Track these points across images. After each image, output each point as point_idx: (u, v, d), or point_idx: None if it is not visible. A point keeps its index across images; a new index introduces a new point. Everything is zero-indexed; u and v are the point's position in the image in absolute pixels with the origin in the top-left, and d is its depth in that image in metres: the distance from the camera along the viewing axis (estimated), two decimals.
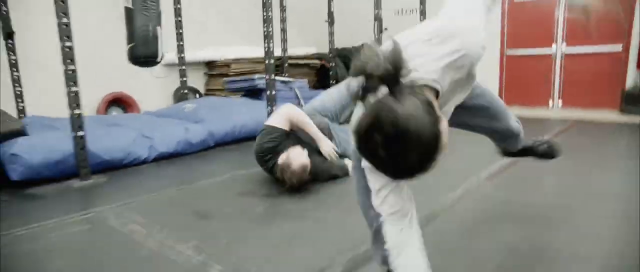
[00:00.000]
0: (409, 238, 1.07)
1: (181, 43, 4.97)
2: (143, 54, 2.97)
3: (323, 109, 3.13)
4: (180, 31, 4.94)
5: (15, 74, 4.01)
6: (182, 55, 5.01)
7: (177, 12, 4.88)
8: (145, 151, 3.36)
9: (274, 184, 2.60)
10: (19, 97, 4.09)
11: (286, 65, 6.28)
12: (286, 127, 2.54)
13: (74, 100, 2.78)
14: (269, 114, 3.98)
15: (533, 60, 6.36)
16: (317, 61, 7.13)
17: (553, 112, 5.97)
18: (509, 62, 6.62)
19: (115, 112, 5.20)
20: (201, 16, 6.02)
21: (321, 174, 2.57)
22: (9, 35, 3.89)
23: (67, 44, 2.69)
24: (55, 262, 1.76)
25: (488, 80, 6.59)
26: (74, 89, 2.76)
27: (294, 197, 2.40)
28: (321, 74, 7.31)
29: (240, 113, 4.24)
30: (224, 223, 2.09)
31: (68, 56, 2.73)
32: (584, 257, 1.61)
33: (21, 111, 4.12)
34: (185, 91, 5.10)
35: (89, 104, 4.96)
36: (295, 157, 2.38)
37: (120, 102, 5.25)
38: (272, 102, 4.00)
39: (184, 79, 5.07)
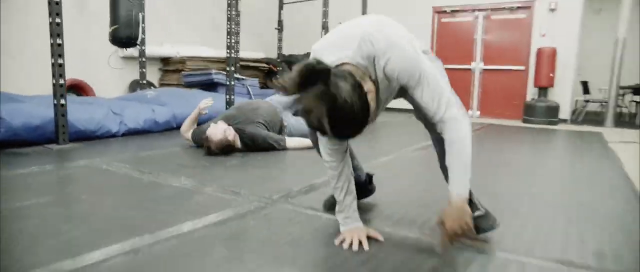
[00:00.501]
0: (342, 171, 1.54)
1: (143, 36, 5.29)
2: (125, 36, 3.34)
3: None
4: (143, 25, 5.26)
5: None
6: (143, 48, 5.33)
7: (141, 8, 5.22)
8: (116, 125, 3.70)
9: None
10: None
11: (238, 65, 6.73)
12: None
13: (58, 71, 3.10)
14: (228, 102, 4.45)
15: (456, 74, 7.35)
16: (265, 65, 7.66)
17: (472, 119, 6.94)
18: None
19: None
20: (162, 12, 6.35)
21: (260, 143, 3.15)
22: None
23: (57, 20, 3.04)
24: (69, 187, 2.13)
25: None
26: (59, 61, 3.08)
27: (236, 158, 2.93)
28: (268, 77, 7.84)
29: (200, 101, 4.64)
30: (200, 169, 2.55)
31: (56, 31, 3.07)
32: None
33: None
34: (144, 82, 5.41)
35: (47, 89, 5.10)
36: (212, 131, 2.99)
37: (76, 89, 5.43)
38: (231, 93, 4.47)
39: (144, 70, 5.39)
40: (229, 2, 4.33)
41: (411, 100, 1.38)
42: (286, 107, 3.68)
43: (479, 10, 7.02)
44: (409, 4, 7.41)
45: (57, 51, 3.11)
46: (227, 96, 4.50)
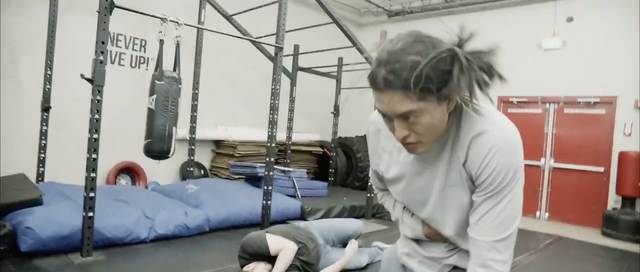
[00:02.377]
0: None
1: (194, 125, 5.43)
2: (158, 149, 3.35)
3: (325, 231, 3.40)
4: (195, 114, 5.41)
5: (43, 142, 4.44)
6: (193, 136, 5.44)
7: (194, 97, 5.39)
8: (145, 231, 3.65)
9: None
10: (41, 162, 4.49)
11: (290, 151, 6.68)
12: (272, 252, 2.82)
13: (92, 165, 3.13)
14: (266, 194, 4.27)
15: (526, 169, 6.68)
16: (319, 149, 7.55)
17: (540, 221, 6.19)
18: None
19: (124, 180, 5.56)
20: (218, 94, 6.55)
21: None
22: (46, 109, 4.37)
23: (96, 116, 3.11)
24: None
25: None
26: (93, 155, 3.13)
27: None
28: (322, 162, 7.69)
29: (238, 201, 4.55)
30: None
31: (95, 127, 3.13)
32: None
33: (40, 175, 4.49)
34: (191, 169, 5.47)
35: (101, 169, 5.33)
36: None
37: (129, 171, 5.62)
38: (269, 183, 4.29)
39: (192, 158, 5.47)
40: (273, 89, 4.26)
41: (461, 204, 1.13)
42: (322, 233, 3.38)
43: (550, 102, 6.45)
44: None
45: (92, 146, 3.14)
46: (265, 187, 4.32)
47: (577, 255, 4.47)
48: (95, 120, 3.12)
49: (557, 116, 6.43)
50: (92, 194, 3.14)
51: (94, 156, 3.14)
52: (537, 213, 6.53)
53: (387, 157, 1.25)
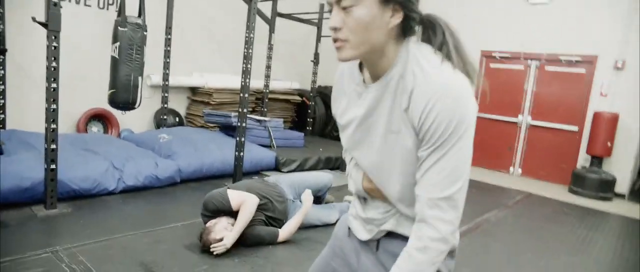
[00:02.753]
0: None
1: (167, 71, 5.23)
2: (123, 100, 3.21)
3: (299, 186, 3.37)
4: (168, 60, 5.20)
5: (1, 87, 4.23)
6: (167, 83, 5.26)
7: (167, 42, 5.15)
8: (114, 182, 3.58)
9: None
10: (0, 108, 4.29)
11: (267, 100, 6.55)
12: (234, 207, 2.79)
13: (52, 116, 2.98)
14: (238, 145, 4.21)
15: (500, 126, 6.74)
16: (297, 97, 7.43)
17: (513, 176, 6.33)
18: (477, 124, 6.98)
19: (95, 128, 5.40)
20: (192, 41, 6.29)
21: (250, 238, 2.84)
22: (1, 51, 4.12)
23: (53, 64, 2.92)
24: None
25: None
26: (53, 106, 2.97)
27: (232, 258, 2.66)
28: (300, 111, 7.60)
29: (210, 151, 4.48)
30: None
31: (52, 75, 2.95)
32: None
33: (1, 122, 4.32)
34: (165, 117, 5.33)
35: (71, 117, 5.17)
36: (216, 230, 2.66)
37: (101, 118, 5.45)
38: (241, 134, 4.21)
39: (166, 105, 5.32)
40: (247, 38, 4.07)
41: (404, 154, 1.03)
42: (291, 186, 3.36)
43: (532, 58, 6.39)
44: None
45: (51, 96, 2.97)
46: (237, 138, 4.24)
47: (545, 212, 4.61)
48: (52, 69, 2.94)
49: (538, 73, 6.38)
50: (53, 146, 3.02)
51: (53, 106, 2.98)
52: (511, 169, 6.66)
53: (345, 101, 1.17)
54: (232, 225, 2.74)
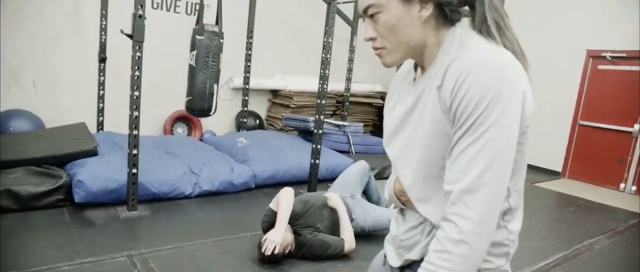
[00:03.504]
0: None
1: (248, 75, 5.32)
2: (198, 108, 3.28)
3: (346, 183, 3.30)
4: (249, 64, 5.28)
5: (101, 92, 4.59)
6: (247, 86, 5.35)
7: (248, 46, 5.23)
8: (190, 187, 3.69)
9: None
10: (100, 112, 4.67)
11: (347, 103, 6.42)
12: (276, 208, 2.72)
13: (134, 123, 3.11)
14: (314, 152, 4.13)
15: (610, 136, 5.93)
16: (380, 100, 7.19)
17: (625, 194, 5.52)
18: (581, 132, 6.23)
19: (180, 129, 5.68)
20: (275, 42, 6.36)
21: (315, 246, 2.72)
22: (103, 60, 4.47)
23: (136, 73, 3.05)
24: None
25: (555, 145, 6.26)
26: (136, 113, 3.10)
27: None
28: (381, 114, 7.35)
29: (286, 157, 4.46)
30: None
31: (136, 84, 3.08)
32: None
33: (100, 124, 4.69)
34: (244, 120, 5.44)
35: (159, 119, 5.49)
36: (269, 238, 2.58)
37: (185, 120, 5.71)
38: (317, 141, 4.13)
39: (246, 109, 5.42)
40: (325, 43, 3.97)
41: (428, 140, 0.90)
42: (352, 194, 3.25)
43: None
44: (555, 42, 6.16)
45: (134, 103, 3.10)
46: (314, 145, 4.17)
47: None
48: (136, 77, 3.07)
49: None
50: (134, 152, 3.16)
51: (136, 113, 3.12)
52: (622, 185, 5.82)
53: (394, 99, 1.06)
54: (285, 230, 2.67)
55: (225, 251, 2.81)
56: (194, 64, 3.21)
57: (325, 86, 4.10)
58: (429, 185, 0.91)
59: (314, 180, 4.22)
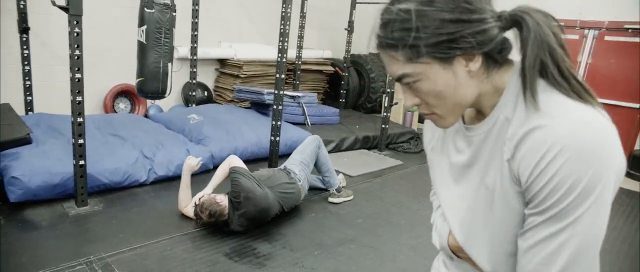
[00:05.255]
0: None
1: (195, 45, 4.92)
2: (152, 90, 2.95)
3: (308, 160, 3.37)
4: (196, 33, 4.87)
5: (27, 67, 4.02)
6: (195, 57, 4.96)
7: (195, 13, 4.81)
8: (144, 173, 3.39)
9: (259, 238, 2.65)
10: (27, 90, 4.11)
11: (299, 72, 6.20)
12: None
13: (77, 109, 2.74)
14: (274, 129, 3.96)
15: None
16: (330, 68, 7.04)
17: None
18: None
19: (123, 104, 5.20)
20: (220, 8, 5.93)
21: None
22: (25, 30, 3.88)
23: (77, 52, 2.64)
24: None
25: None
26: (78, 98, 2.73)
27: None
28: (333, 82, 7.23)
29: (243, 134, 4.24)
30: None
31: (76, 65, 2.68)
32: None
33: (29, 104, 4.15)
34: (193, 93, 5.08)
35: (97, 95, 4.98)
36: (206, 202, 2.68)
37: (128, 94, 5.24)
38: (277, 117, 3.96)
39: (194, 81, 5.05)
40: (284, 13, 3.70)
41: (498, 217, 0.79)
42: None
43: (590, 27, 5.78)
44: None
45: (76, 87, 2.70)
46: (273, 121, 3.99)
47: None
48: (76, 57, 2.67)
49: (596, 44, 5.80)
50: (81, 141, 2.80)
51: (79, 98, 2.74)
52: None
53: (439, 132, 0.96)
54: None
55: (197, 247, 2.62)
56: (144, 41, 2.85)
57: (284, 59, 3.88)
58: (502, 263, 0.81)
59: (275, 157, 4.07)
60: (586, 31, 5.87)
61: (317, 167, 3.48)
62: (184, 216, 2.99)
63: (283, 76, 3.91)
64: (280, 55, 3.83)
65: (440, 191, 0.94)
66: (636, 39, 5.52)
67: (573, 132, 0.65)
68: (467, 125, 0.85)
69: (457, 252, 0.91)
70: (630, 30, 5.51)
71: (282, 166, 3.25)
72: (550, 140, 0.66)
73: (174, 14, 2.97)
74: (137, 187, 3.36)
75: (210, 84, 6.12)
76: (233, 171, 2.74)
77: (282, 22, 3.76)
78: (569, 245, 0.67)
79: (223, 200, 2.71)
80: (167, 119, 4.47)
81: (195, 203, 2.74)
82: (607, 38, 5.75)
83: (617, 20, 5.57)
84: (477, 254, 0.84)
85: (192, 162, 3.00)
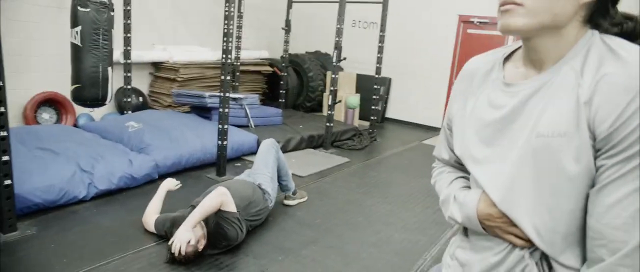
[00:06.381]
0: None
1: (128, 48, 4.61)
2: (91, 97, 2.70)
3: (273, 169, 3.22)
4: (129, 35, 4.57)
5: None
6: (129, 60, 4.65)
7: (126, 14, 4.50)
8: (84, 189, 3.10)
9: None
10: None
11: (238, 73, 6.05)
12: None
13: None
14: (221, 133, 3.80)
15: None
16: (269, 68, 6.94)
17: None
18: None
19: (47, 114, 4.74)
20: (153, 9, 5.61)
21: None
22: None
23: None
24: None
25: (435, 104, 6.82)
26: (1, 109, 2.43)
27: None
28: (272, 82, 7.13)
29: (187, 140, 4.03)
30: None
31: None
32: None
33: None
34: (128, 99, 4.75)
35: (16, 104, 4.49)
36: (177, 244, 2.35)
37: (52, 103, 4.78)
38: (225, 121, 3.81)
39: (129, 86, 4.72)
40: (227, 12, 3.54)
41: (562, 165, 0.73)
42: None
43: None
44: (433, 8, 6.61)
45: None
46: (220, 125, 3.83)
47: None
48: None
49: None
50: (5, 158, 2.49)
51: (1, 109, 2.43)
52: None
53: (471, 102, 0.91)
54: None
55: (152, 264, 2.44)
56: (79, 44, 2.60)
57: (229, 60, 3.75)
58: (563, 220, 0.76)
59: (223, 162, 3.92)
60: None
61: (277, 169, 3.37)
62: (136, 231, 2.77)
63: (229, 78, 3.77)
64: (224, 56, 3.69)
65: (472, 153, 0.88)
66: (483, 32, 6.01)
67: None
68: (509, 82, 0.84)
69: (486, 221, 0.84)
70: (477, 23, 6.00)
71: (255, 181, 3.02)
72: (634, 84, 0.66)
73: (112, 13, 2.73)
74: (76, 205, 3.06)
75: (145, 89, 5.77)
76: (223, 218, 2.48)
77: (226, 21, 3.63)
78: None
79: (200, 238, 2.48)
80: (102, 128, 4.13)
81: (173, 253, 2.36)
82: None
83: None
84: (518, 214, 0.79)
85: (170, 184, 2.90)
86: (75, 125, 4.68)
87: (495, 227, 0.83)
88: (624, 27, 0.77)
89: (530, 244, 0.80)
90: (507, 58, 0.90)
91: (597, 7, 0.76)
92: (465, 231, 0.96)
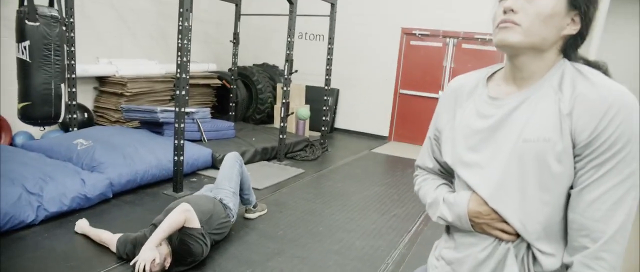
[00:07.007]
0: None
1: (73, 62, 4.42)
2: (42, 115, 2.57)
3: (236, 184, 3.21)
4: (72, 49, 4.38)
5: None
6: (74, 75, 4.46)
7: (70, 27, 4.32)
8: (32, 212, 2.94)
9: None
10: None
11: (187, 86, 5.93)
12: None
13: None
14: (177, 149, 3.74)
15: (422, 102, 6.99)
16: (218, 81, 6.89)
17: None
18: (401, 100, 7.17)
19: None
20: (97, 22, 5.40)
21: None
22: None
23: None
24: None
25: (382, 114, 7.08)
26: None
27: None
28: (221, 95, 7.07)
29: (141, 156, 3.93)
30: None
31: None
32: None
33: None
34: (74, 116, 4.54)
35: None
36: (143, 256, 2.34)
37: None
38: (180, 136, 3.76)
39: (74, 102, 4.52)
40: (181, 27, 3.54)
41: (545, 167, 0.87)
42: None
43: (450, 36, 6.65)
44: (377, 22, 6.90)
45: None
46: (176, 141, 3.78)
47: None
48: None
49: (455, 51, 6.67)
50: None
51: None
52: None
53: (459, 113, 1.04)
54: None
55: None
56: (27, 59, 2.48)
57: (185, 75, 3.73)
58: (551, 215, 0.90)
59: (180, 178, 3.87)
60: (447, 40, 6.72)
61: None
62: (97, 253, 2.68)
63: (183, 93, 3.74)
64: (179, 71, 3.66)
65: (462, 159, 1.00)
66: (485, 47, 6.50)
67: (624, 95, 0.82)
68: (494, 96, 0.97)
69: (475, 218, 0.95)
70: (479, 40, 6.47)
71: (217, 196, 3.00)
72: (609, 99, 0.82)
73: (64, 28, 2.65)
74: (24, 229, 2.90)
75: (90, 105, 5.52)
76: (187, 235, 2.44)
77: (180, 36, 3.61)
78: (628, 196, 0.82)
79: (166, 256, 2.45)
80: (47, 147, 3.93)
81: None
82: (464, 46, 6.65)
83: (470, 31, 6.49)
84: (506, 209, 0.91)
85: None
86: (12, 145, 4.40)
87: (484, 223, 0.95)
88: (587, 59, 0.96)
89: (515, 238, 0.93)
90: (489, 78, 1.04)
91: (571, 41, 0.92)
92: (448, 230, 1.07)
